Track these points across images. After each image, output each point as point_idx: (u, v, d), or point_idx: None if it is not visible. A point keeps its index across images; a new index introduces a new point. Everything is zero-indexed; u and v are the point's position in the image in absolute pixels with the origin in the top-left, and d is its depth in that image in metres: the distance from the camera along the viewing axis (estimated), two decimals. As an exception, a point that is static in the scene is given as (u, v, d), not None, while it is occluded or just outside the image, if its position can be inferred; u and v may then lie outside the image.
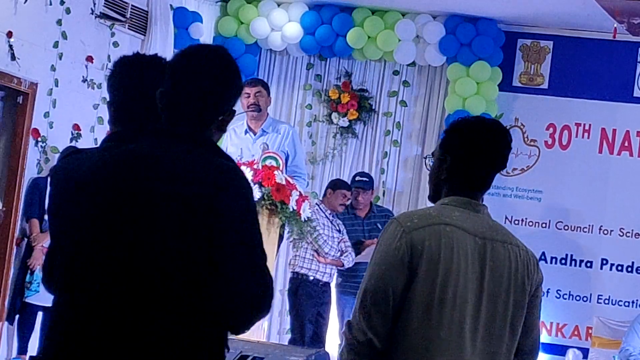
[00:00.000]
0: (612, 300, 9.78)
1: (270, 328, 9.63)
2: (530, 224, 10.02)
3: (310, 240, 8.36)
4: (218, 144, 2.95)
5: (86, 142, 8.60)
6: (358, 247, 8.92)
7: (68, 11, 8.51)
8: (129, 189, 2.80)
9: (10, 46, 7.88)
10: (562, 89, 10.08)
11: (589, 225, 9.89)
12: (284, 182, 7.00)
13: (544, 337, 9.70)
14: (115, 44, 9.08)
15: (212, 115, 2.89)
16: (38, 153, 8.41)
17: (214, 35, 10.55)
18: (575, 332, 9.83)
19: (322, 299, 8.72)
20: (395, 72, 10.49)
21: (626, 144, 9.91)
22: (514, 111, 10.16)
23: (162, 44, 9.45)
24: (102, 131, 8.58)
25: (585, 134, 9.99)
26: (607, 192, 9.89)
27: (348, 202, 9.04)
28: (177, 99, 2.89)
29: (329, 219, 8.79)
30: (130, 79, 3.21)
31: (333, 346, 8.42)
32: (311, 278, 8.66)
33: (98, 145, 3.34)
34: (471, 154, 3.20)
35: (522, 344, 3.21)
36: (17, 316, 8.18)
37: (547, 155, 10.05)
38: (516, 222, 9.99)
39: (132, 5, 9.28)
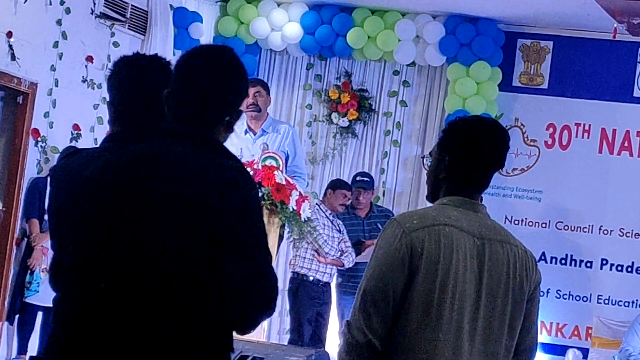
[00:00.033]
0: (612, 300, 9.78)
1: (270, 328, 9.62)
2: (530, 224, 10.02)
3: (310, 240, 8.36)
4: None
5: (86, 142, 8.59)
6: (358, 247, 8.93)
7: (68, 11, 8.50)
8: (134, 189, 2.80)
9: (10, 46, 7.88)
10: (562, 89, 10.08)
11: (589, 225, 9.89)
12: (284, 182, 7.00)
13: (544, 337, 9.70)
14: (115, 44, 9.08)
15: (219, 115, 2.89)
16: (38, 153, 8.41)
17: (214, 35, 10.55)
18: (575, 332, 9.83)
19: (322, 299, 8.72)
20: (395, 72, 10.49)
21: (626, 144, 9.91)
22: (514, 111, 10.16)
23: (162, 44, 9.45)
24: (102, 131, 8.58)
25: (585, 134, 9.99)
26: (607, 192, 9.89)
27: (348, 202, 9.04)
28: (183, 100, 2.89)
29: (329, 219, 8.79)
30: (130, 79, 3.21)
31: (333, 346, 8.41)
32: (311, 278, 8.66)
33: (98, 145, 3.34)
34: (469, 154, 3.20)
35: (521, 344, 3.21)
36: (17, 316, 8.18)
37: (547, 155, 10.05)
38: (516, 222, 9.99)
39: (132, 5, 9.28)
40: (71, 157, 3.25)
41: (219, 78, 2.87)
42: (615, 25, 8.64)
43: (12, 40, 7.88)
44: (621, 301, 9.74)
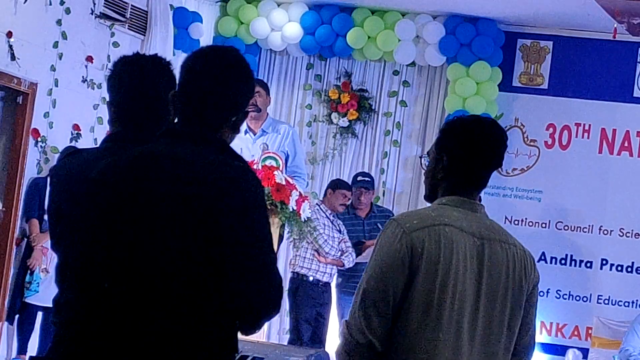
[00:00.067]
0: (612, 300, 9.78)
1: (270, 328, 9.62)
2: (530, 224, 10.02)
3: (310, 240, 8.36)
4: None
5: (86, 142, 8.59)
6: (359, 247, 8.93)
7: (68, 11, 8.50)
8: (134, 189, 2.80)
9: (10, 46, 7.88)
10: (562, 89, 10.08)
11: (589, 226, 9.89)
12: (283, 182, 7.00)
13: (544, 337, 9.70)
14: (115, 44, 9.08)
15: (225, 115, 2.89)
16: (38, 153, 8.41)
17: (214, 36, 10.55)
18: (575, 332, 9.83)
19: (322, 299, 8.72)
20: (395, 72, 10.49)
21: (626, 144, 9.91)
22: (514, 111, 10.16)
23: (162, 44, 9.45)
24: (102, 131, 8.58)
25: (585, 134, 9.99)
26: (607, 192, 9.89)
27: (348, 202, 9.04)
28: (189, 100, 2.89)
29: (329, 219, 8.79)
30: (130, 79, 3.22)
31: (333, 346, 8.40)
32: (311, 278, 8.66)
33: (98, 145, 3.34)
34: (468, 153, 3.19)
35: (519, 343, 3.21)
36: (17, 316, 8.18)
37: (547, 155, 10.05)
38: (516, 222, 9.99)
39: (132, 5, 9.28)
40: (71, 157, 3.25)
41: (224, 79, 2.87)
42: (615, 25, 8.64)
43: (12, 40, 7.88)
44: (621, 301, 9.74)
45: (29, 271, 8.09)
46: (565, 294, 9.87)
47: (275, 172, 7.03)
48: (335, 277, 8.88)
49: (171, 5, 9.67)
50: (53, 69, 8.42)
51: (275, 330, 10.02)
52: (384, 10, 10.19)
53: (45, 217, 7.45)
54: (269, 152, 7.47)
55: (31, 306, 8.09)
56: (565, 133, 10.03)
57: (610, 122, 9.92)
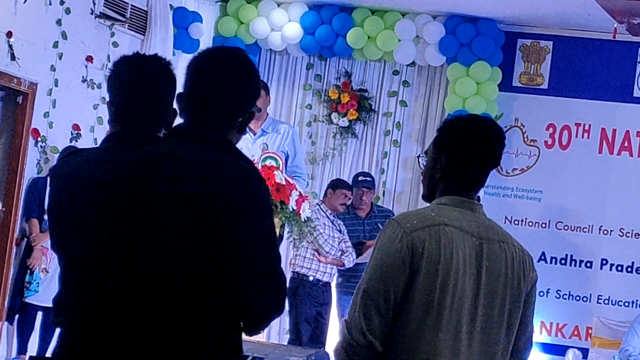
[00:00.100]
0: (612, 300, 9.78)
1: (270, 328, 9.62)
2: (530, 224, 10.02)
3: (310, 240, 8.36)
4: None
5: (86, 142, 8.59)
6: (359, 247, 8.92)
7: (68, 11, 8.50)
8: (135, 189, 2.80)
9: (10, 46, 7.88)
10: (562, 89, 10.08)
11: (589, 226, 9.89)
12: (283, 182, 7.00)
13: (544, 337, 9.71)
14: (115, 44, 9.08)
15: (231, 116, 2.90)
16: (38, 153, 8.41)
17: (214, 35, 10.55)
18: (575, 332, 9.83)
19: (322, 299, 8.72)
20: (395, 72, 10.49)
21: (626, 144, 9.91)
22: (514, 111, 10.16)
23: (162, 44, 9.45)
24: (102, 131, 8.58)
25: (585, 134, 9.99)
26: (607, 192, 9.89)
27: (349, 202, 9.04)
28: (195, 101, 2.89)
29: (329, 219, 8.79)
30: (130, 79, 3.21)
31: (333, 346, 8.41)
32: (311, 278, 8.66)
33: (98, 145, 3.34)
34: (466, 152, 3.19)
35: (517, 343, 3.21)
36: (16, 316, 8.18)
37: (547, 155, 10.05)
38: (516, 222, 9.99)
39: (132, 5, 9.28)
40: (71, 157, 3.25)
41: (230, 80, 2.87)
42: (615, 25, 8.64)
43: (12, 40, 7.88)
44: (621, 301, 9.74)
45: (28, 271, 8.09)
46: (565, 294, 9.87)
47: (275, 172, 7.02)
48: (335, 277, 8.88)
49: (171, 5, 9.67)
50: (53, 68, 8.42)
51: (275, 330, 10.01)
52: (384, 10, 10.19)
53: (45, 217, 7.45)
54: (269, 152, 7.47)
55: (31, 306, 8.09)
56: (565, 133, 10.03)
57: (610, 122, 9.93)
